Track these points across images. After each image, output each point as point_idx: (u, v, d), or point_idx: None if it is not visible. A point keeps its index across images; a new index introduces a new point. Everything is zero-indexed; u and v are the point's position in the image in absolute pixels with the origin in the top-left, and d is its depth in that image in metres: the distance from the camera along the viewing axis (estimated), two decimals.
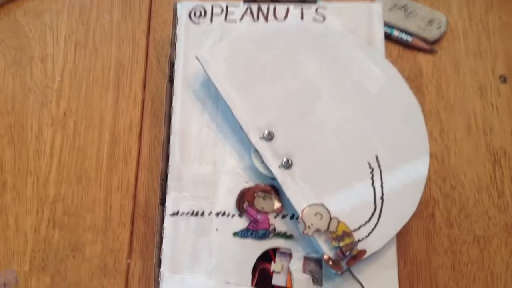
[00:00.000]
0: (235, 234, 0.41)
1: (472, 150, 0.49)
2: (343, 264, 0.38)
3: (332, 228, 0.38)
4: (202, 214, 0.41)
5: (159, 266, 0.41)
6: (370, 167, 0.40)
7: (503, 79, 0.51)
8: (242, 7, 0.46)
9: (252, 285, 0.40)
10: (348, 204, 0.39)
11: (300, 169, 0.40)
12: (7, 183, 0.48)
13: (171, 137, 0.43)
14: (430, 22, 0.51)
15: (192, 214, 0.41)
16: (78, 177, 0.48)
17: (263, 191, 0.41)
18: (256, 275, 0.41)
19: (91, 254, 0.46)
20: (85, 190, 0.48)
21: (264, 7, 0.46)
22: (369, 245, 0.38)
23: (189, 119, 0.44)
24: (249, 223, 0.41)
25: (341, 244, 0.38)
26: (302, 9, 0.46)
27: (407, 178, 0.40)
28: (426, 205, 0.47)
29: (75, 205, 0.48)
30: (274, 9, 0.46)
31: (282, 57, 0.43)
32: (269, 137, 0.40)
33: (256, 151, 0.40)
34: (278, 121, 0.41)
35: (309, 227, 0.38)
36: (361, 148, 0.40)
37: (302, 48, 0.43)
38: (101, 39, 0.53)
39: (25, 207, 0.48)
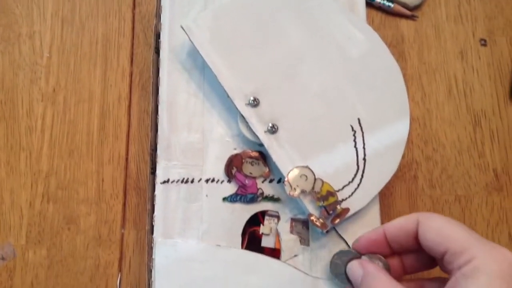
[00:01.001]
0: (224, 199, 0.42)
1: (453, 113, 0.50)
2: (328, 222, 0.39)
3: (317, 188, 0.39)
4: (192, 181, 0.43)
5: (152, 233, 0.42)
6: (352, 129, 0.41)
7: (483, 42, 0.52)
8: None
9: (242, 248, 0.41)
10: (332, 165, 0.40)
11: (286, 133, 0.41)
12: (0, 160, 0.49)
13: (159, 108, 0.44)
14: None
15: (182, 181, 0.43)
16: (69, 151, 0.49)
17: (251, 157, 0.43)
18: (246, 238, 0.42)
19: (86, 225, 0.47)
20: (77, 163, 0.49)
21: None
22: (353, 204, 0.39)
23: (176, 89, 0.44)
24: (238, 188, 0.42)
25: (325, 203, 0.39)
26: None
27: (388, 140, 0.41)
28: (408, 167, 0.48)
29: (68, 178, 0.49)
30: None
31: (265, 23, 0.43)
32: (255, 103, 0.41)
33: (243, 117, 0.41)
34: (263, 88, 0.42)
35: (294, 189, 0.39)
36: (344, 112, 0.42)
37: (285, 14, 0.44)
38: (87, 15, 0.53)
39: (19, 182, 0.49)
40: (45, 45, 0.53)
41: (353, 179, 0.40)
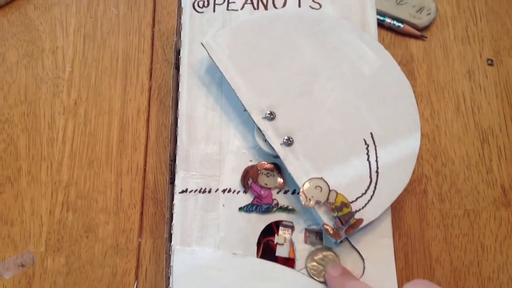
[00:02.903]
0: (240, 209, 0.44)
1: (461, 130, 0.52)
2: (342, 232, 0.40)
3: (331, 199, 0.41)
4: (210, 191, 0.44)
5: (170, 241, 0.43)
6: (365, 143, 0.43)
7: (490, 62, 0.54)
8: None
9: (257, 257, 0.43)
10: (345, 177, 0.42)
11: (301, 146, 0.43)
12: (22, 169, 0.51)
13: (179, 121, 0.46)
14: (420, 9, 0.54)
15: (200, 191, 0.44)
16: (89, 162, 0.51)
17: (266, 168, 0.44)
18: (261, 248, 0.43)
19: (104, 234, 0.49)
20: (96, 174, 0.51)
21: None
22: (366, 215, 0.41)
23: (195, 103, 0.46)
24: (254, 199, 0.44)
25: (340, 214, 0.40)
26: None
27: (400, 153, 0.42)
28: (419, 182, 0.50)
29: (88, 188, 0.50)
30: None
31: (280, 42, 0.45)
32: (271, 117, 0.43)
33: (259, 130, 0.43)
34: (279, 102, 0.44)
35: (309, 199, 0.41)
36: (357, 126, 0.43)
37: (299, 33, 0.46)
38: (109, 31, 0.56)
39: (40, 191, 0.50)
40: (67, 60, 0.55)
41: (366, 191, 0.41)
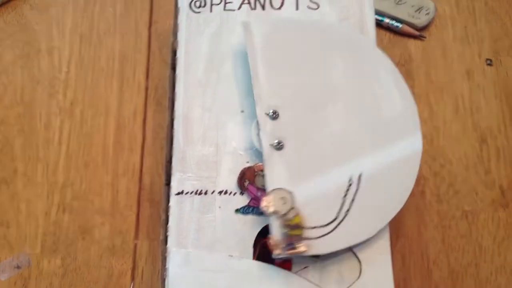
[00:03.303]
0: (237, 211, 0.43)
1: (460, 130, 0.51)
2: (283, 250, 0.39)
3: (290, 215, 0.40)
4: (206, 193, 0.44)
5: (166, 243, 0.43)
6: (349, 181, 0.42)
7: (489, 62, 0.53)
8: None
9: (253, 259, 0.42)
10: (314, 203, 0.41)
11: (287, 154, 0.42)
12: (18, 170, 0.51)
13: (175, 122, 0.46)
14: (419, 9, 0.54)
15: (196, 193, 0.44)
16: (85, 163, 0.51)
17: (263, 170, 0.44)
18: (257, 250, 0.43)
19: (100, 236, 0.48)
20: (92, 175, 0.50)
21: None
22: (315, 246, 0.40)
23: (191, 104, 0.46)
24: (250, 200, 0.43)
25: (290, 232, 0.40)
26: None
27: (379, 206, 0.42)
28: (417, 183, 0.49)
29: (84, 189, 0.50)
30: None
31: (317, 52, 0.45)
32: (274, 116, 0.43)
33: (257, 125, 0.43)
34: (287, 106, 0.43)
35: (268, 206, 0.40)
36: (351, 161, 0.42)
37: (339, 52, 0.45)
38: (105, 31, 0.55)
39: (35, 192, 0.50)
40: (64, 61, 0.54)
41: (327, 224, 0.41)
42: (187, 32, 0.48)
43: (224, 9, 0.48)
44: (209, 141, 0.45)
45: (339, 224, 0.41)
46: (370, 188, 0.42)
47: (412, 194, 0.48)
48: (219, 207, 0.43)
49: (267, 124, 0.43)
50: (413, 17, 0.54)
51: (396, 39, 0.55)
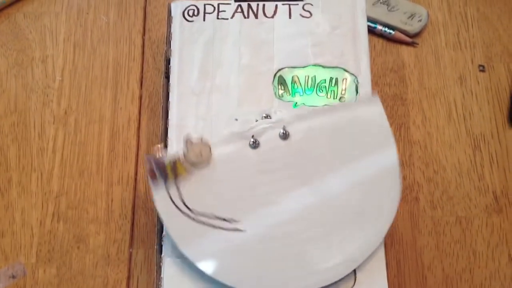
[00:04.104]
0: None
1: (453, 136, 0.52)
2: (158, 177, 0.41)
3: (186, 159, 0.42)
4: None
5: (161, 252, 0.43)
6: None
7: (482, 68, 0.54)
8: (233, 5, 0.49)
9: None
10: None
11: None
12: (12, 180, 0.50)
13: (169, 130, 0.46)
14: (412, 16, 0.54)
15: None
16: (80, 171, 0.51)
17: None
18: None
19: (95, 245, 0.48)
20: (87, 184, 0.50)
21: (253, 5, 0.49)
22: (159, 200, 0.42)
23: (185, 112, 0.46)
24: None
25: (168, 166, 0.41)
26: (289, 6, 0.49)
27: None
28: (410, 189, 0.50)
29: (78, 198, 0.50)
30: (264, 6, 0.49)
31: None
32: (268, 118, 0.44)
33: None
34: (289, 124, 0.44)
35: (192, 144, 0.42)
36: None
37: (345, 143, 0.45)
38: (99, 40, 0.55)
39: (30, 202, 0.50)
40: (57, 69, 0.54)
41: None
42: (181, 40, 0.48)
43: (217, 18, 0.49)
44: None
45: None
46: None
47: (406, 200, 0.49)
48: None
49: (261, 124, 0.44)
50: (405, 24, 0.54)
51: (389, 46, 0.55)
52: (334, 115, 0.45)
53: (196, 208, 0.41)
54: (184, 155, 0.41)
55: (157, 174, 0.41)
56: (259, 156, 0.44)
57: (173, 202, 0.41)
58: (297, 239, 0.41)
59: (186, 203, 0.41)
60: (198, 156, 0.42)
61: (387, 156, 0.43)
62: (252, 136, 0.44)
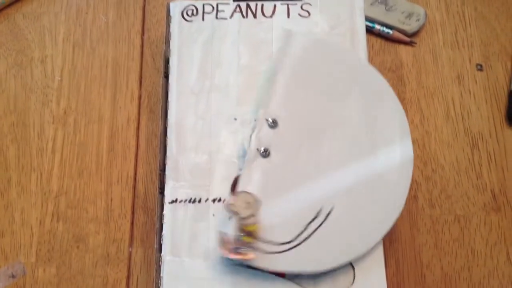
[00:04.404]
0: (231, 218, 0.43)
1: (451, 135, 0.52)
2: (229, 251, 0.40)
3: (248, 221, 0.40)
4: (199, 201, 0.44)
5: (160, 251, 0.43)
6: (319, 211, 0.42)
7: (480, 67, 0.54)
8: (232, 5, 0.49)
9: (248, 267, 0.42)
10: (278, 220, 0.41)
11: (270, 165, 0.43)
12: (11, 180, 0.51)
13: (168, 130, 0.46)
14: (409, 15, 0.54)
15: (189, 201, 0.44)
16: (79, 171, 0.51)
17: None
18: None
19: (94, 244, 0.48)
20: (86, 183, 0.50)
21: (252, 4, 0.49)
22: (261, 260, 0.40)
23: (184, 112, 0.46)
24: None
25: (242, 237, 0.40)
26: (288, 5, 0.49)
27: (342, 244, 0.42)
28: (409, 188, 0.50)
29: (78, 198, 0.50)
30: (262, 6, 0.49)
31: (338, 81, 0.46)
32: (272, 124, 0.43)
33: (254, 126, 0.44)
34: (288, 120, 0.44)
35: (232, 205, 0.41)
36: (327, 193, 0.42)
37: (360, 91, 0.45)
38: (98, 40, 0.56)
39: (29, 201, 0.50)
40: (57, 69, 0.55)
41: (282, 244, 0.41)
42: (180, 40, 0.48)
43: (216, 18, 0.49)
44: (202, 149, 0.45)
45: (293, 247, 0.41)
46: (337, 224, 0.42)
47: None
48: (213, 215, 0.44)
49: (262, 129, 0.43)
50: (403, 23, 0.54)
51: (387, 45, 0.55)
52: None
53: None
54: (239, 220, 0.40)
55: (242, 250, 0.40)
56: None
57: (272, 252, 0.41)
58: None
59: (273, 240, 0.41)
60: (248, 208, 0.41)
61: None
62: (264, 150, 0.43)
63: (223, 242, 0.40)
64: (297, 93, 0.45)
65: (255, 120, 0.43)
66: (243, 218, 0.40)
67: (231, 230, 0.40)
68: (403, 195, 0.43)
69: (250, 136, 0.43)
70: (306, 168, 0.43)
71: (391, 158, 0.43)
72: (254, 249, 0.40)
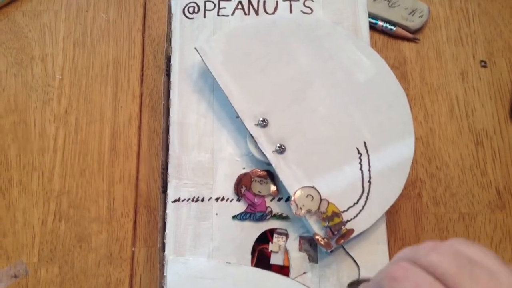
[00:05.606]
0: (234, 217, 0.43)
1: (455, 132, 0.51)
2: (333, 242, 0.40)
3: (322, 208, 0.40)
4: (202, 199, 0.44)
5: (163, 250, 0.43)
6: (358, 152, 0.42)
7: (483, 64, 0.53)
8: (234, 1, 0.49)
9: (251, 265, 0.42)
10: (337, 187, 0.41)
11: (293, 154, 0.42)
12: (13, 179, 0.50)
13: (170, 128, 0.45)
14: (413, 11, 0.54)
15: (192, 200, 0.44)
16: (81, 170, 0.51)
17: (259, 176, 0.44)
18: (255, 256, 0.43)
19: (97, 244, 0.48)
20: (88, 183, 0.50)
21: (254, 1, 0.49)
22: (357, 225, 0.41)
23: (186, 110, 0.46)
24: (247, 207, 0.43)
25: (331, 223, 0.40)
26: (290, 2, 0.49)
27: (393, 162, 0.42)
28: (413, 186, 0.49)
29: (80, 197, 0.50)
30: (264, 2, 0.49)
31: (275, 48, 0.45)
32: (264, 124, 0.43)
33: (252, 137, 0.43)
34: (272, 109, 0.43)
35: (300, 208, 0.40)
36: (350, 134, 0.43)
37: (294, 39, 0.45)
38: (99, 38, 0.55)
39: (31, 201, 0.50)
40: (57, 67, 0.54)
41: (358, 200, 0.41)
42: (181, 38, 0.48)
43: (218, 15, 0.48)
44: (204, 148, 0.45)
45: (368, 194, 0.41)
46: (378, 149, 0.43)
47: (408, 197, 0.49)
48: (216, 213, 0.43)
49: (261, 134, 0.43)
50: (406, 19, 0.54)
51: (390, 42, 0.55)
52: None
53: None
54: (315, 214, 0.41)
55: (340, 232, 0.40)
56: None
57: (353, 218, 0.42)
58: None
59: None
60: (313, 200, 0.41)
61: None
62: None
63: (323, 242, 0.40)
64: (255, 83, 0.44)
65: (250, 135, 0.43)
66: (317, 210, 0.40)
67: (317, 227, 0.40)
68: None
69: (258, 148, 0.43)
70: (318, 129, 0.43)
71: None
72: (345, 224, 0.40)
